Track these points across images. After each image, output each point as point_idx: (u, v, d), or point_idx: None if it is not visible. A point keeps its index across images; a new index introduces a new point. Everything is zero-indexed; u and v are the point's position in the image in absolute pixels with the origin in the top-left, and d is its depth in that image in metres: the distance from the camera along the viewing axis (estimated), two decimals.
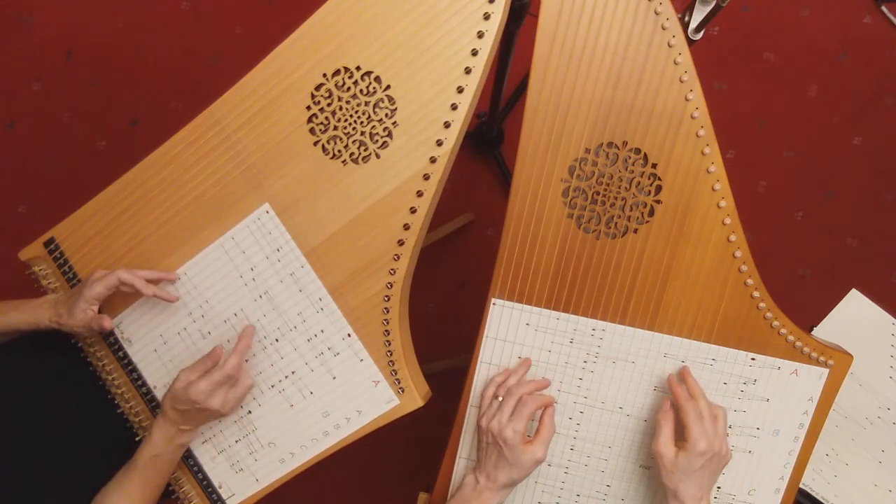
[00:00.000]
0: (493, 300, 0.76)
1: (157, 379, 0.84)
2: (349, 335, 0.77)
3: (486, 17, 0.67)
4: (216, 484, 0.83)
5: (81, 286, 0.78)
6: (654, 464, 0.72)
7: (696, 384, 0.74)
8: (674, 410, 0.73)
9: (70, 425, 0.84)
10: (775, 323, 0.74)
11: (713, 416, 0.71)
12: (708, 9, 0.75)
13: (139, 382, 0.84)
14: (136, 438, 0.86)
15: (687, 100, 0.69)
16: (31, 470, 0.76)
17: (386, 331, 0.76)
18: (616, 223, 0.73)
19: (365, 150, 0.73)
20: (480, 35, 0.67)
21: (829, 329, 0.89)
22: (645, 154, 0.71)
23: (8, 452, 0.75)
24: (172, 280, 0.80)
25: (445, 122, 0.70)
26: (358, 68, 0.71)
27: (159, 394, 0.84)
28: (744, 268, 0.73)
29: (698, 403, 0.71)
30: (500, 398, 0.73)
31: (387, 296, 0.75)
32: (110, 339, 0.84)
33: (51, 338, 0.83)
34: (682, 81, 0.68)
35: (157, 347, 0.83)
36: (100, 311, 0.79)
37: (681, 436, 0.71)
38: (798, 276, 1.63)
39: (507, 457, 0.71)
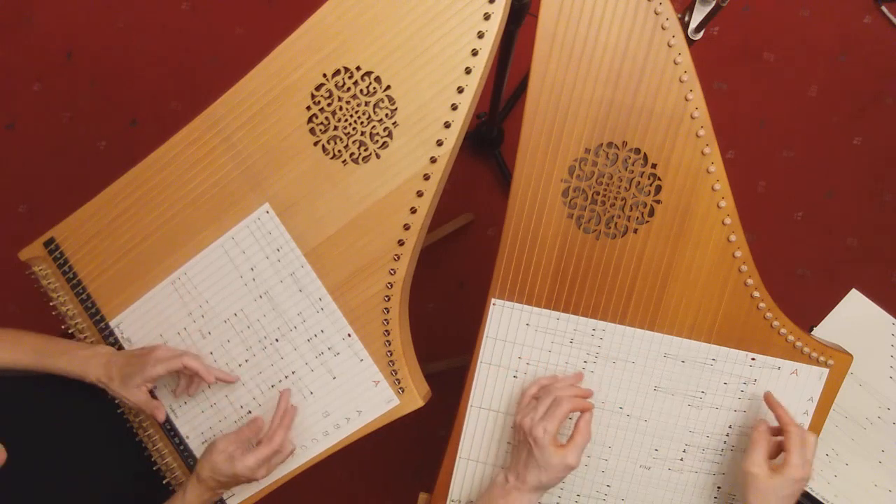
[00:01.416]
0: (493, 300, 0.76)
1: None
2: (349, 335, 0.77)
3: (486, 17, 0.67)
4: None
5: (141, 360, 0.77)
6: (743, 481, 0.70)
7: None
8: (771, 431, 0.72)
9: (81, 448, 0.83)
10: (775, 323, 0.74)
11: (808, 444, 0.70)
12: (708, 9, 0.75)
13: None
14: (137, 438, 0.86)
15: (687, 100, 0.69)
16: (43, 494, 0.76)
17: (386, 331, 0.76)
18: (616, 223, 0.73)
19: (365, 150, 0.73)
20: (480, 35, 0.67)
21: (829, 329, 0.89)
22: (645, 154, 0.71)
23: (19, 474, 0.74)
24: (233, 381, 0.80)
25: (445, 122, 0.70)
26: (358, 68, 0.71)
27: (159, 394, 0.84)
28: (744, 268, 0.73)
29: (801, 430, 0.71)
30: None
31: (387, 296, 0.75)
32: (110, 340, 0.84)
33: None
34: (681, 81, 0.68)
35: None
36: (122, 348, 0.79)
37: (766, 456, 0.71)
38: (798, 276, 1.63)
39: (537, 457, 0.69)
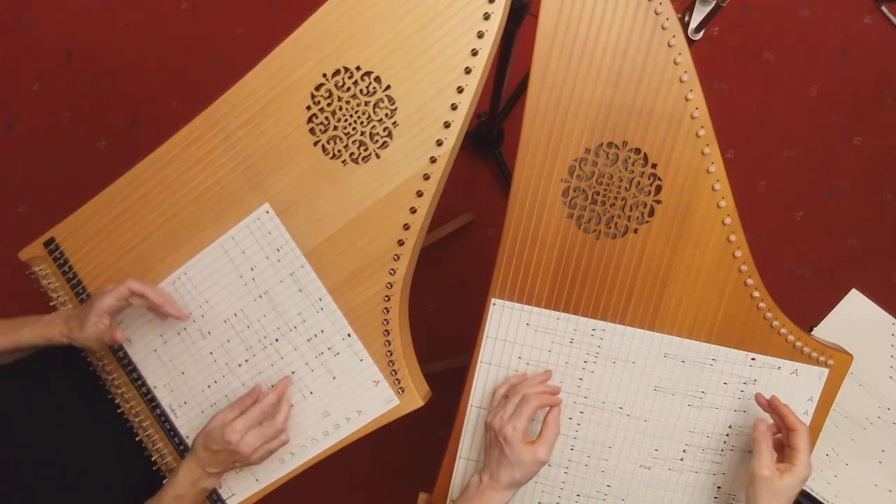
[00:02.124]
0: (493, 300, 0.76)
1: (157, 379, 0.84)
2: (349, 335, 0.77)
3: (486, 17, 0.67)
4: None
5: (92, 299, 0.77)
6: (753, 484, 0.69)
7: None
8: (771, 430, 0.72)
9: (81, 448, 0.83)
10: (775, 323, 0.74)
11: (809, 441, 0.70)
12: (708, 9, 0.75)
13: (139, 382, 0.84)
14: (137, 438, 0.86)
15: (687, 100, 0.69)
16: (43, 495, 0.76)
17: (386, 331, 0.76)
18: (616, 223, 0.73)
19: (365, 150, 0.73)
20: (480, 35, 0.67)
21: (829, 329, 0.89)
22: (645, 154, 0.71)
23: (19, 476, 0.74)
24: (182, 318, 0.79)
25: (445, 122, 0.70)
26: (358, 68, 0.71)
27: (159, 393, 0.84)
28: (744, 268, 0.73)
29: (806, 427, 0.70)
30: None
31: (387, 296, 0.75)
32: None
33: (56, 356, 0.82)
34: (682, 81, 0.68)
35: (156, 347, 0.83)
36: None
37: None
38: (798, 276, 1.63)
39: (508, 455, 0.70)
